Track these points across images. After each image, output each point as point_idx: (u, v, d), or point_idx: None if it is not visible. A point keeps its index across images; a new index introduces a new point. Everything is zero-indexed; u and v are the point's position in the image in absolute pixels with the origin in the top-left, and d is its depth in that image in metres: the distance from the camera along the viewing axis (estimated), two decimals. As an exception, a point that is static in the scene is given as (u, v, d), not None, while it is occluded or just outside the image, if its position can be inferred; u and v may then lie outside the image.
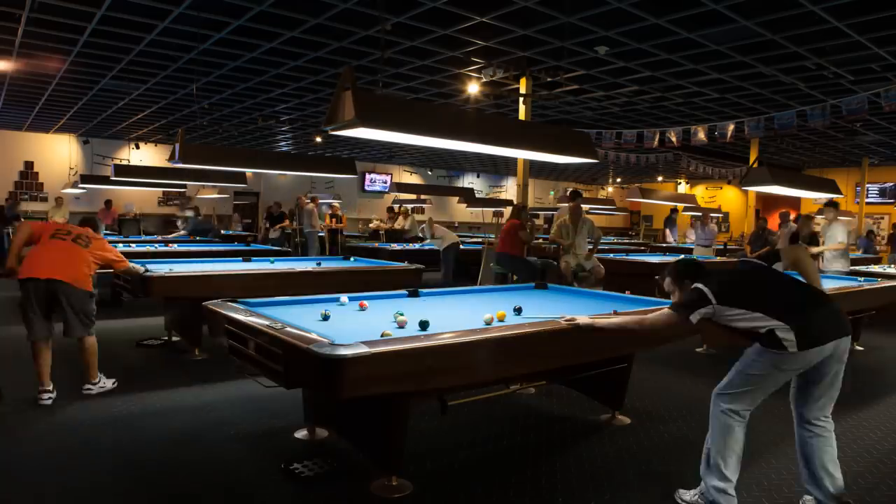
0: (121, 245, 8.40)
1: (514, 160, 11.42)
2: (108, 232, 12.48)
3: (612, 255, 10.08)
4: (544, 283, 5.15)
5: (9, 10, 5.96)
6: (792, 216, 10.28)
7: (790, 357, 2.68)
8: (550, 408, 4.38)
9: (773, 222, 15.25)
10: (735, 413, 2.79)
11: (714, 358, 5.94)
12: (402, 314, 3.28)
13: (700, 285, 2.84)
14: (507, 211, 11.70)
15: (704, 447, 2.87)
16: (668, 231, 16.59)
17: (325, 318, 3.35)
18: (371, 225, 15.68)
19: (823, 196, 12.76)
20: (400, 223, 13.86)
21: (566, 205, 9.61)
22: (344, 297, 3.93)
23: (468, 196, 15.47)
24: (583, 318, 3.23)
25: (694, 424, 4.09)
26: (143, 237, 11.64)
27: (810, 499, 2.90)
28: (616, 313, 3.51)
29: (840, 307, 2.90)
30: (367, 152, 17.11)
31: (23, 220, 11.86)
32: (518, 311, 3.74)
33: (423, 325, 3.11)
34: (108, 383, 4.56)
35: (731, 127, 9.94)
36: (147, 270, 5.06)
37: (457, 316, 3.56)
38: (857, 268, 8.67)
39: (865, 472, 3.39)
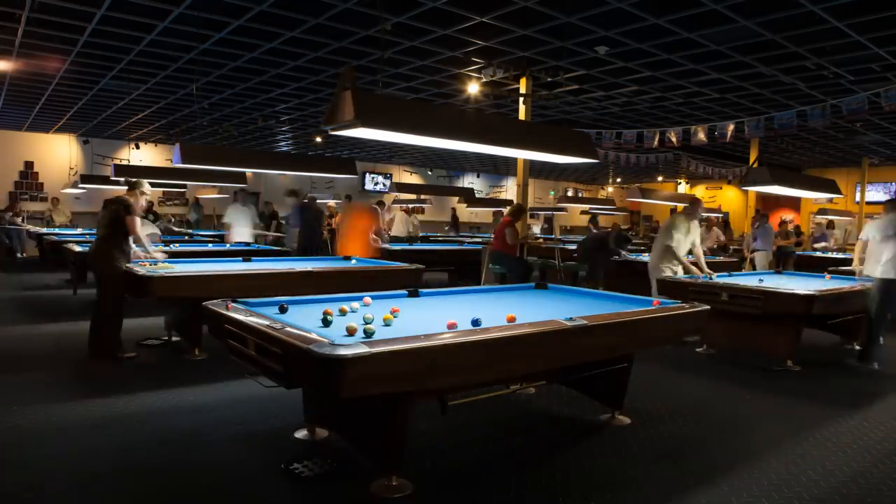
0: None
1: (514, 160, 11.42)
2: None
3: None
4: (544, 283, 5.14)
5: (9, 10, 5.96)
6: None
7: None
8: (550, 408, 4.38)
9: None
10: None
11: (714, 358, 5.92)
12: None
13: None
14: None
15: None
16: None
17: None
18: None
19: (823, 196, 12.73)
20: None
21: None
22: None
23: (468, 196, 15.49)
24: None
25: (694, 424, 4.09)
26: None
27: None
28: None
29: None
30: (367, 152, 17.12)
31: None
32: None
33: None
34: None
35: (731, 127, 9.95)
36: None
37: (454, 315, 3.56)
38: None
39: (865, 472, 3.39)
